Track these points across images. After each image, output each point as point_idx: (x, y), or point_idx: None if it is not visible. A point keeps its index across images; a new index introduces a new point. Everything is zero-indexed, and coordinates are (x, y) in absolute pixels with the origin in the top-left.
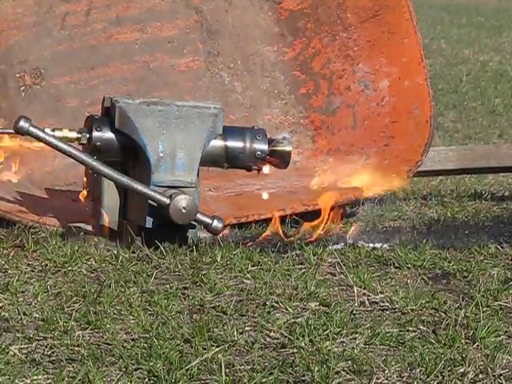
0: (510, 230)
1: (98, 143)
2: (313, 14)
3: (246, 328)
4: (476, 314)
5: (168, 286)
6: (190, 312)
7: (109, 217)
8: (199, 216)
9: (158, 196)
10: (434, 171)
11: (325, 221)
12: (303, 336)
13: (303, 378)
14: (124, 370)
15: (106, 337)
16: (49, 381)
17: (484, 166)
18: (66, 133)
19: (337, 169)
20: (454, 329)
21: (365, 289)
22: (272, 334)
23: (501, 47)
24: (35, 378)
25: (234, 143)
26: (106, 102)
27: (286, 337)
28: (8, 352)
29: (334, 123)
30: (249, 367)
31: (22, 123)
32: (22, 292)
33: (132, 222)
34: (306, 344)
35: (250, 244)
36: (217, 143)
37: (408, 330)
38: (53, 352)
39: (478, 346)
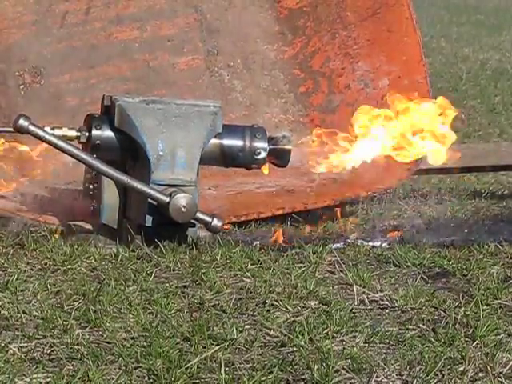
0: (510, 229)
1: (98, 142)
2: (312, 12)
3: (246, 326)
4: (476, 313)
5: (168, 284)
6: (190, 310)
7: (109, 215)
8: (199, 214)
9: (158, 194)
10: (434, 169)
11: None
12: (303, 334)
13: (303, 377)
14: (124, 368)
15: (105, 335)
16: (48, 379)
17: (484, 165)
18: (65, 131)
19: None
20: (453, 327)
21: (364, 287)
22: (272, 332)
23: (500, 46)
24: (35, 376)
25: (234, 142)
26: (105, 100)
27: (285, 335)
28: (8, 350)
29: (333, 121)
30: (248, 366)
31: (21, 122)
32: (22, 290)
33: (132, 221)
34: (305, 342)
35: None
36: (216, 142)
37: (408, 329)
38: (52, 350)
39: (477, 344)
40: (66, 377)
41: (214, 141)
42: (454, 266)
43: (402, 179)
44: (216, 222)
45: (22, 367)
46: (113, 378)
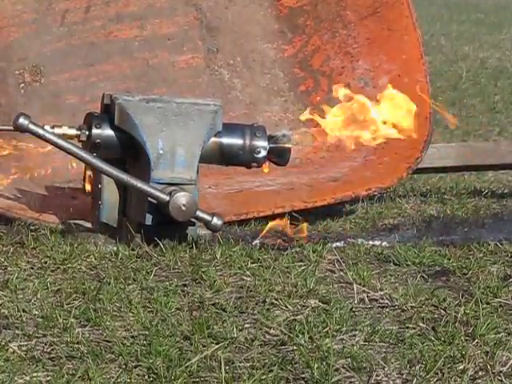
0: (510, 227)
1: (98, 140)
2: (312, 11)
3: (246, 325)
4: (476, 311)
5: (167, 283)
6: (190, 309)
7: (108, 214)
8: (199, 213)
9: (158, 193)
10: (434, 168)
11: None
12: (303, 333)
13: (303, 375)
14: (123, 367)
15: (105, 334)
16: (48, 378)
17: (483, 164)
18: (65, 130)
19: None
20: (453, 326)
21: (364, 286)
22: (272, 331)
23: (500, 44)
24: (35, 375)
25: (234, 140)
26: (105, 98)
27: (285, 334)
28: (8, 349)
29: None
30: (248, 364)
31: (21, 120)
32: (22, 289)
33: (131, 219)
34: (305, 341)
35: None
36: (216, 140)
37: (408, 327)
38: (52, 349)
39: (477, 342)
40: (65, 375)
41: (213, 139)
42: (454, 264)
43: (402, 178)
44: (216, 221)
45: (22, 366)
46: (113, 377)
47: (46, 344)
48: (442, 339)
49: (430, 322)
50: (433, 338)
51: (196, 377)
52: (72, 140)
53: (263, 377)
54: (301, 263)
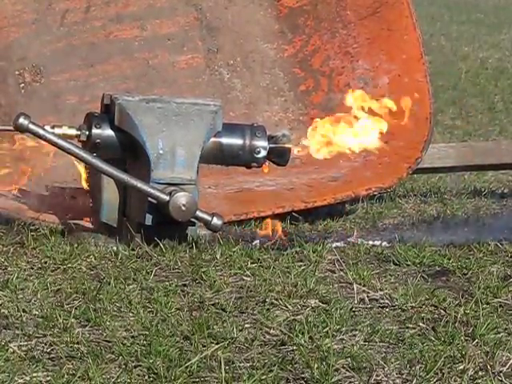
0: (510, 227)
1: (98, 140)
2: (312, 11)
3: (246, 325)
4: (476, 311)
5: (167, 283)
6: (190, 309)
7: (108, 214)
8: (199, 213)
9: (158, 193)
10: (434, 168)
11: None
12: (303, 333)
13: (303, 375)
14: (123, 367)
15: (105, 334)
16: (48, 378)
17: (484, 163)
18: (65, 130)
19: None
20: (453, 326)
21: (364, 286)
22: (272, 331)
23: (500, 44)
24: (35, 375)
25: (234, 140)
26: (105, 99)
27: (285, 334)
28: (8, 349)
29: None
30: (248, 364)
31: (21, 120)
32: (22, 289)
33: (131, 219)
34: (305, 341)
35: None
36: (216, 140)
37: (408, 327)
38: (52, 349)
39: (477, 342)
40: (65, 375)
41: (213, 139)
42: (454, 264)
43: (402, 178)
44: (216, 221)
45: (22, 366)
46: (113, 377)
47: (45, 344)
48: (442, 339)
49: (430, 322)
50: (433, 338)
51: (196, 377)
52: (72, 140)
53: (263, 377)
54: (301, 263)
